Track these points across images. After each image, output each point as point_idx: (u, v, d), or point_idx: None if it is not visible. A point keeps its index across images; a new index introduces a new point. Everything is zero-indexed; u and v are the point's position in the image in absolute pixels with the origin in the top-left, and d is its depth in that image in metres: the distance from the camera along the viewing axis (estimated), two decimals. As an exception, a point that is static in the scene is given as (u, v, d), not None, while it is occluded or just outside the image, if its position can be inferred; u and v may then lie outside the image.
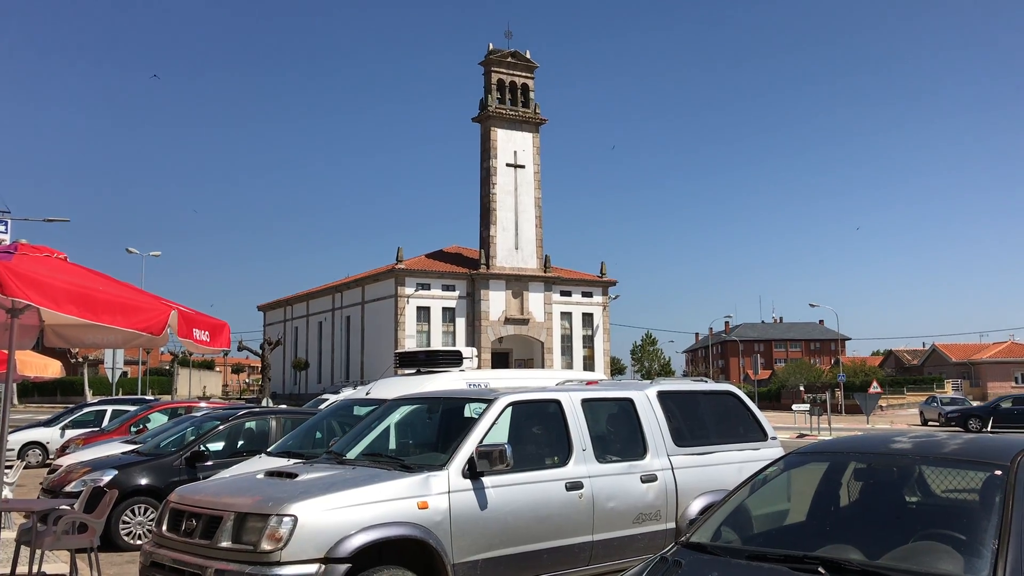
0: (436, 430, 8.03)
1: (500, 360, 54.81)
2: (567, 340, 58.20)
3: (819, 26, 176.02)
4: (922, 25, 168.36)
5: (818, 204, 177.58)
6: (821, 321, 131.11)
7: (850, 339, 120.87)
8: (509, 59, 57.23)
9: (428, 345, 50.72)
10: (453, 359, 11.28)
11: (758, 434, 8.48)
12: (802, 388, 72.24)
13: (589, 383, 8.89)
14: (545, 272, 56.76)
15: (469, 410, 7.58)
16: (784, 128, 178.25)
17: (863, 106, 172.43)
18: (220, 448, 11.46)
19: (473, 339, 53.57)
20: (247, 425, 12.23)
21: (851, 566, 3.87)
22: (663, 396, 8.01)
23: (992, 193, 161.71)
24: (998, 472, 4.23)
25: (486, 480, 6.56)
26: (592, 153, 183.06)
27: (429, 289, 54.24)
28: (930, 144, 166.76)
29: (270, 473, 6.95)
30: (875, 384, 52.16)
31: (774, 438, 8.58)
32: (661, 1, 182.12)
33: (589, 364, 57.38)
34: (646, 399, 7.87)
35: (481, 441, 6.69)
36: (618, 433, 7.82)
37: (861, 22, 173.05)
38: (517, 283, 55.74)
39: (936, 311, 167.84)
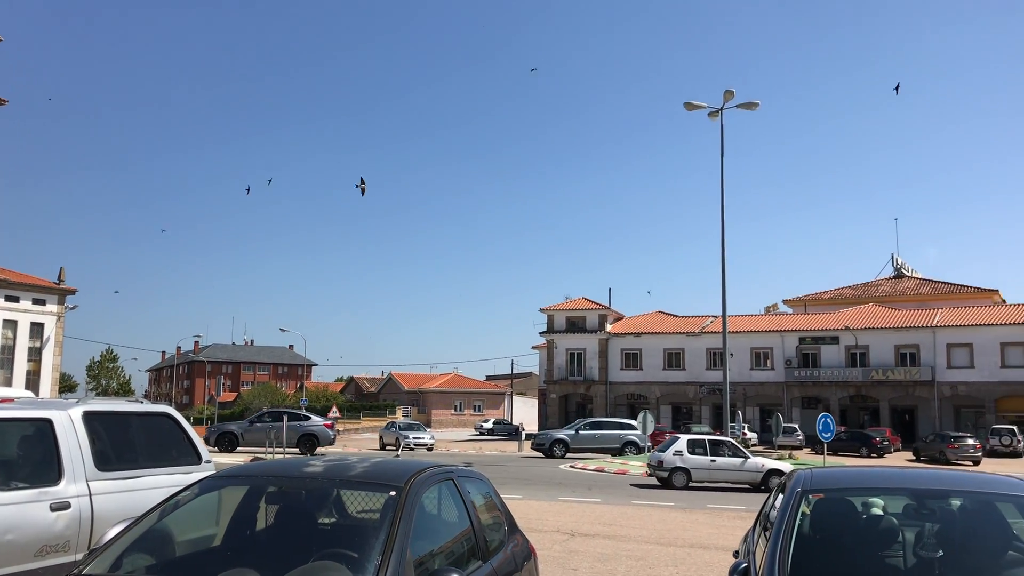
0: None
1: (-83, 371, 46.63)
2: (8, 352, 51.50)
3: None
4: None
5: (283, 229, 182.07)
6: (291, 346, 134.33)
7: (317, 364, 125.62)
8: (-36, 25, 49.82)
9: None
10: None
11: (192, 457, 8.23)
12: (265, 411, 72.79)
13: (2, 400, 7.88)
14: (-12, 273, 49.83)
15: None
16: (237, 154, 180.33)
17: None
18: None
19: None
20: None
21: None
22: (89, 417, 7.37)
23: (424, 244, 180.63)
24: (392, 493, 4.59)
25: None
26: (64, 149, 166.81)
27: None
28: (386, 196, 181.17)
29: None
30: (335, 409, 54.62)
31: (208, 461, 8.40)
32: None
33: (34, 380, 51.44)
34: (68, 420, 7.17)
35: None
36: (29, 457, 7.00)
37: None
38: (-51, 282, 48.10)
39: (396, 342, 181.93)
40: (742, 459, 25.64)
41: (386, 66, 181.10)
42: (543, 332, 74.36)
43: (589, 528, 15.29)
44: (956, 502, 5.04)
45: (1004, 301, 70.69)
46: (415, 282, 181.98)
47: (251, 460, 33.32)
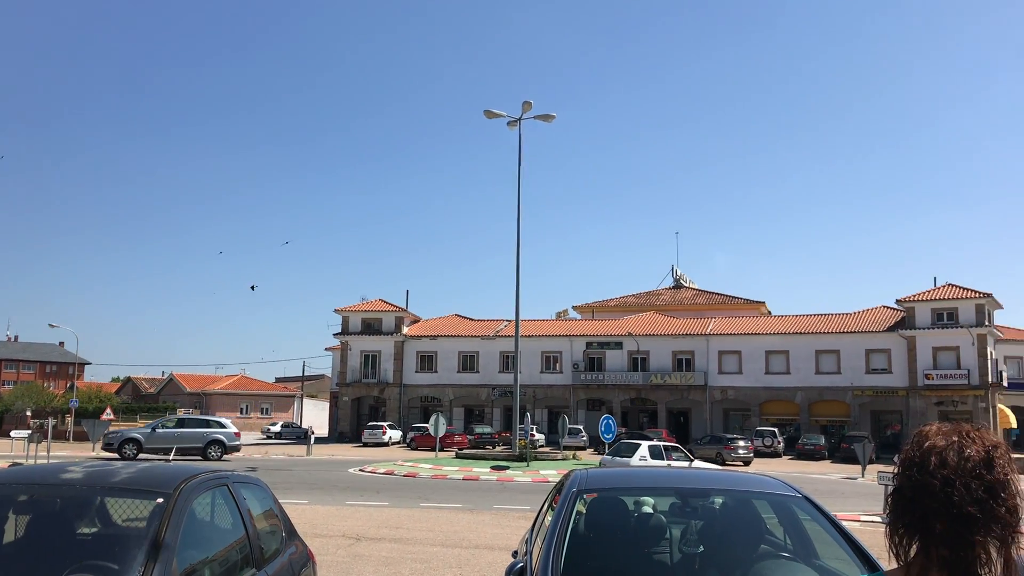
0: None
1: None
2: None
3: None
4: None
5: (58, 220, 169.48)
6: (62, 343, 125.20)
7: (91, 363, 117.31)
8: None
9: None
10: None
11: (-68, 464, 7.46)
12: (29, 413, 67.84)
13: None
14: None
15: None
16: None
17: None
18: None
19: None
20: None
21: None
22: None
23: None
24: (160, 500, 4.35)
25: None
26: None
27: None
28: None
29: None
30: (109, 411, 51.42)
31: (-50, 469, 7.63)
32: None
33: None
34: None
35: None
36: None
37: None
38: None
39: (179, 343, 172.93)
40: (689, 462, 27.53)
41: (196, 63, 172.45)
42: (337, 334, 73.14)
43: (375, 532, 15.17)
44: (718, 500, 5.38)
45: (770, 313, 76.72)
46: (200, 281, 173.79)
47: (9, 466, 30.59)
